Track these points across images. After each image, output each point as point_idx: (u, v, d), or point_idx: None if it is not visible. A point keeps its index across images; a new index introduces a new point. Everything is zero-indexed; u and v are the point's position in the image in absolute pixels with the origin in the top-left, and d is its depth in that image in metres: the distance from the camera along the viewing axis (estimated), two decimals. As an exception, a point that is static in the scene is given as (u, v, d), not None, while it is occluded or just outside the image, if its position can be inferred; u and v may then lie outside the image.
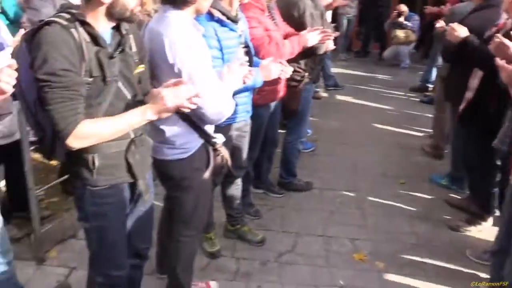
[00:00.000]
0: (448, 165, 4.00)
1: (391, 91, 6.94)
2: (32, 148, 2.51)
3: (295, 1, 3.18)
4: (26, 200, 2.65)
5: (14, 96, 1.59)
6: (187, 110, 1.70)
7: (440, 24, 3.49)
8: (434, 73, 6.36)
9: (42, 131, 1.61)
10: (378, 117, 5.75)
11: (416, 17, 8.14)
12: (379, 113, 5.96)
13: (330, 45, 3.17)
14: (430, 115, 5.14)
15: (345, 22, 8.17)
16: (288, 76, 2.57)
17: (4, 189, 3.10)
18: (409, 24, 7.99)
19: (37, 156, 3.17)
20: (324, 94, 6.54)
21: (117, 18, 1.59)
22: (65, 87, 1.46)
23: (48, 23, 1.47)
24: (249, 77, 2.14)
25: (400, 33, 8.02)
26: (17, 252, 2.26)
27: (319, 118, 5.45)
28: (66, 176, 2.69)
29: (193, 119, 2.02)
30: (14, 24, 3.70)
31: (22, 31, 2.75)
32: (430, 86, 6.58)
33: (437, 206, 3.64)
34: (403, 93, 6.82)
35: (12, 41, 2.57)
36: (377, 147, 4.81)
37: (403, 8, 8.01)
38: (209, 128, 2.13)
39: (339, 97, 6.55)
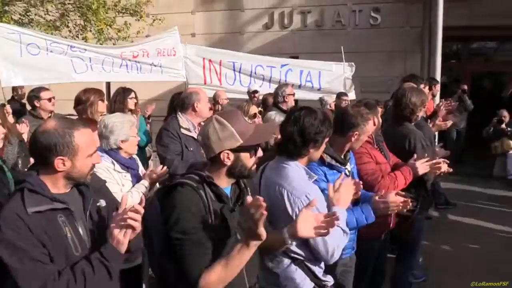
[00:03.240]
0: None
1: (515, 211, 6.26)
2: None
3: (405, 134, 3.17)
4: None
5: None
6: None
7: None
8: None
9: (165, 277, 1.72)
10: (502, 242, 5.13)
11: None
12: (503, 237, 5.32)
13: (444, 168, 3.04)
14: None
15: (454, 134, 7.91)
16: (407, 208, 2.48)
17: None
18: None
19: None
20: (434, 213, 6.09)
21: (237, 176, 1.76)
22: (195, 244, 1.60)
23: (181, 184, 1.66)
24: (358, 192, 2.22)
25: (498, 143, 7.49)
26: None
27: (430, 241, 4.97)
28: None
29: (305, 262, 2.05)
30: (141, 149, 4.20)
31: (151, 164, 3.10)
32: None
33: None
34: (529, 214, 6.12)
35: (143, 172, 2.92)
36: (504, 281, 4.15)
37: (505, 113, 7.54)
38: (319, 271, 2.13)
39: (451, 216, 6.06)
